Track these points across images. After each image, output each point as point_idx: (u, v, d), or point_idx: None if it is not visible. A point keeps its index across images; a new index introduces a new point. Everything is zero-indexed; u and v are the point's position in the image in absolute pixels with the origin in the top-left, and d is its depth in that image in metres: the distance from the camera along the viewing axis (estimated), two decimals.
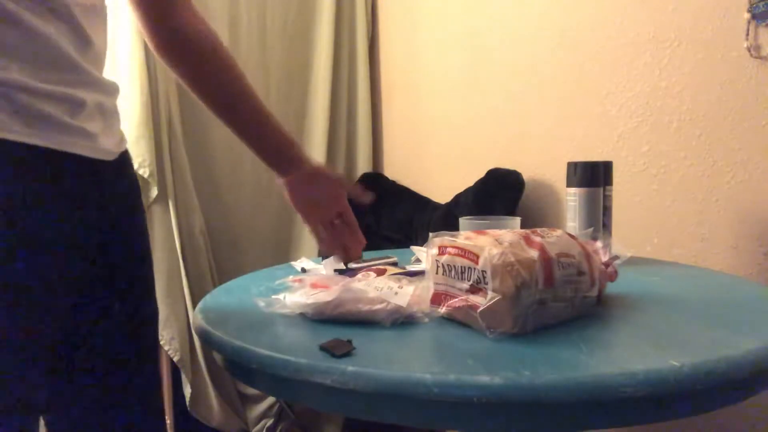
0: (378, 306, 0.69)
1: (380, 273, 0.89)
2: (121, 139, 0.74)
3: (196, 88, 0.83)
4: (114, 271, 0.70)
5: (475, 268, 0.64)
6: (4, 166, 0.57)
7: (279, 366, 0.59)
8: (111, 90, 0.71)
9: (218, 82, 0.82)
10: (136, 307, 0.74)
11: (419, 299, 0.71)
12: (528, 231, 0.70)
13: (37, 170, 0.60)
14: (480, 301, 0.63)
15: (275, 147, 0.89)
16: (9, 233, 0.57)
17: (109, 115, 0.70)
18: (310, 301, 0.71)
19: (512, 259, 0.62)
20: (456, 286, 0.66)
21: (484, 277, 0.62)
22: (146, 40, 0.81)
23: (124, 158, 0.75)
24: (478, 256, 0.63)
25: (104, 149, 0.68)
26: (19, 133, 0.57)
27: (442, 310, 0.68)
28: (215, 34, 0.82)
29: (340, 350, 0.59)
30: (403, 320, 0.69)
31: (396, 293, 0.71)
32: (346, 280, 0.79)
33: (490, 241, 0.65)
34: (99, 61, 0.69)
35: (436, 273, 0.69)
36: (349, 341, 0.60)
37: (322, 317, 0.71)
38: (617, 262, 0.78)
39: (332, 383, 0.55)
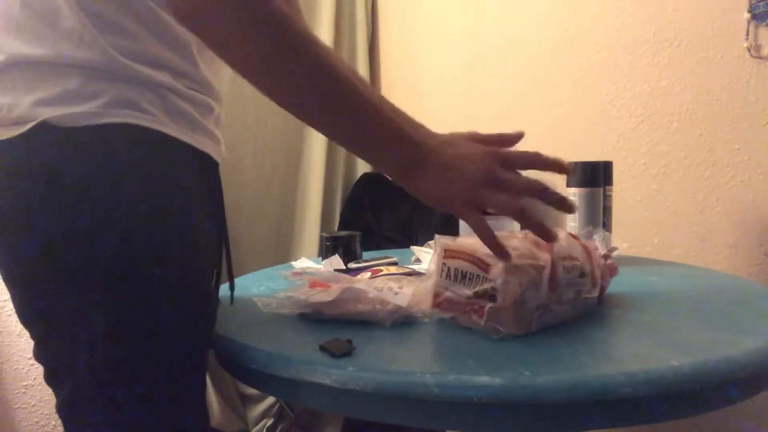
0: (378, 306, 0.69)
1: (379, 273, 0.89)
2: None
3: None
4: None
5: (484, 277, 0.63)
6: (163, 155, 0.63)
7: (279, 366, 0.59)
8: (221, 101, 0.76)
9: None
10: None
11: (420, 300, 0.71)
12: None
13: (185, 161, 0.66)
14: (485, 303, 0.62)
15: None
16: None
17: (220, 125, 0.75)
18: (309, 300, 0.71)
19: (521, 263, 0.62)
20: (460, 291, 0.65)
21: (494, 285, 0.62)
22: None
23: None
24: (489, 266, 0.62)
25: (221, 154, 0.74)
26: (167, 126, 0.64)
27: (444, 312, 0.68)
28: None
29: (340, 350, 0.59)
30: (403, 320, 0.69)
31: (396, 294, 0.71)
32: (346, 279, 0.79)
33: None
34: (219, 76, 0.75)
35: (441, 276, 0.68)
36: (349, 341, 0.60)
37: (321, 317, 0.71)
38: (615, 253, 0.78)
39: (332, 383, 0.55)
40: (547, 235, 0.63)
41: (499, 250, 0.62)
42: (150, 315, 0.61)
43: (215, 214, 0.71)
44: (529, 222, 0.62)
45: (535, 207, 0.62)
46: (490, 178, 0.62)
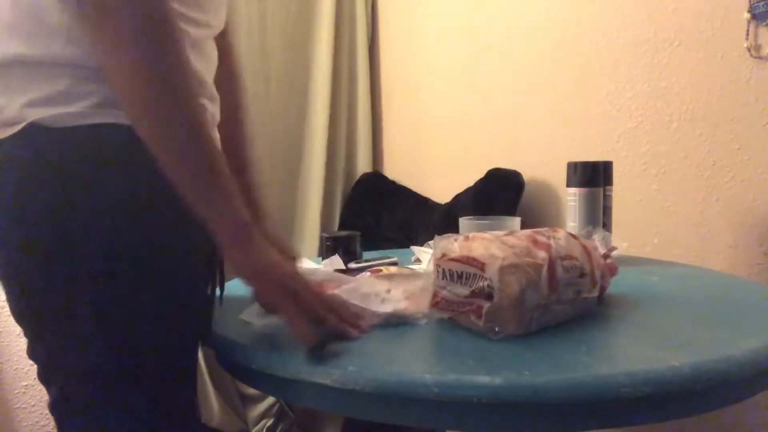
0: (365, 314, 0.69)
1: (379, 273, 0.89)
2: None
3: None
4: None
5: (480, 275, 0.63)
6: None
7: (279, 366, 0.59)
8: (217, 104, 0.76)
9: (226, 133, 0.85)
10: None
11: (418, 300, 0.71)
12: (532, 232, 0.69)
13: None
14: (484, 304, 0.62)
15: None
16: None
17: (215, 127, 0.75)
18: None
19: (518, 261, 0.62)
20: (457, 290, 0.65)
21: (490, 284, 0.62)
22: None
23: None
24: (484, 264, 0.62)
25: None
26: None
27: (442, 312, 0.68)
28: (244, 89, 0.90)
29: (316, 348, 0.59)
30: (399, 322, 0.69)
31: (383, 300, 0.70)
32: (342, 280, 0.79)
33: (496, 246, 0.64)
34: (212, 77, 0.75)
35: (438, 277, 0.68)
36: (325, 340, 0.60)
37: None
38: (615, 253, 0.78)
39: (332, 383, 0.55)
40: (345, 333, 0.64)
41: (303, 336, 0.61)
42: (136, 314, 0.61)
43: None
44: (329, 323, 0.64)
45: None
46: (300, 287, 0.64)
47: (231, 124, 0.84)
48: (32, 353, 0.65)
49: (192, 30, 0.67)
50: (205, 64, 0.71)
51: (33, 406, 1.79)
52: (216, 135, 0.73)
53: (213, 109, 0.74)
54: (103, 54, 0.57)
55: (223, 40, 0.82)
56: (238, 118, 0.88)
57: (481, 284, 0.62)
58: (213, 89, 0.74)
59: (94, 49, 0.58)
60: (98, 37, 0.56)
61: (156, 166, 0.59)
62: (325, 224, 2.05)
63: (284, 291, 0.63)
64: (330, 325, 0.63)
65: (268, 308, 0.69)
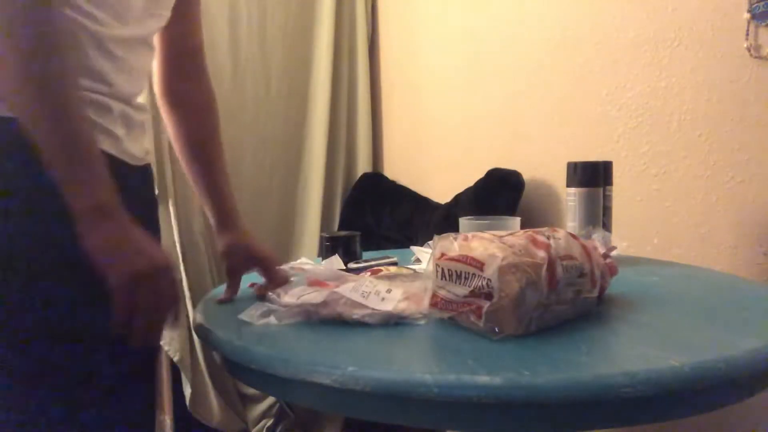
0: (364, 312, 0.69)
1: (379, 273, 0.89)
2: (146, 152, 0.82)
3: (176, 133, 0.93)
4: None
5: (479, 275, 0.63)
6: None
7: (278, 366, 0.59)
8: (139, 107, 0.79)
9: (197, 139, 0.92)
10: None
11: (418, 300, 0.71)
12: (532, 231, 0.69)
13: None
14: (483, 304, 0.62)
15: (220, 202, 0.91)
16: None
17: (132, 126, 0.77)
18: (298, 302, 0.71)
19: (517, 261, 0.62)
20: (456, 290, 0.65)
21: (489, 283, 0.62)
22: (158, 93, 0.92)
23: (148, 171, 0.83)
24: (482, 264, 0.62)
25: (128, 152, 0.76)
26: None
27: (442, 312, 0.68)
28: (214, 100, 0.95)
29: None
30: (397, 321, 0.69)
31: (383, 299, 0.70)
32: (343, 278, 0.79)
33: (495, 245, 0.64)
34: (134, 81, 0.78)
35: (437, 277, 0.68)
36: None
37: (318, 317, 0.71)
38: (615, 253, 0.78)
39: (332, 383, 0.55)
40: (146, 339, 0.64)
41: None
42: (30, 312, 0.63)
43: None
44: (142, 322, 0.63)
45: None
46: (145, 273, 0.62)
47: (201, 131, 0.92)
48: None
49: (90, 24, 0.69)
50: (111, 65, 0.73)
51: None
52: (112, 129, 0.74)
53: (124, 108, 0.75)
54: None
55: (194, 62, 0.91)
56: (208, 127, 0.94)
57: (480, 284, 0.62)
58: (124, 89, 0.75)
59: None
60: None
61: (39, 159, 0.60)
62: (325, 224, 2.05)
63: (123, 274, 0.61)
64: (135, 331, 0.62)
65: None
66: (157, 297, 0.63)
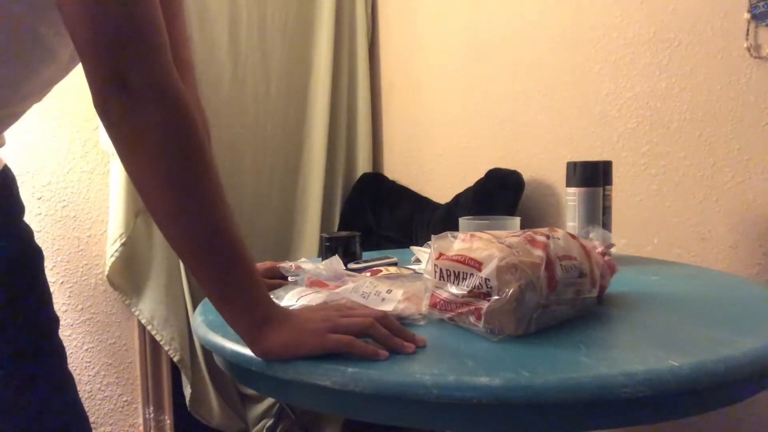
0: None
1: (379, 274, 0.89)
2: None
3: None
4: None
5: (477, 275, 0.63)
6: None
7: (278, 368, 0.59)
8: (11, 108, 0.74)
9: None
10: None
11: (416, 301, 0.71)
12: (530, 231, 0.69)
13: None
14: (482, 305, 0.62)
15: None
16: None
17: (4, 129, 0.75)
18: (297, 304, 0.71)
19: (516, 261, 0.62)
20: (455, 291, 0.65)
21: (487, 283, 0.62)
22: None
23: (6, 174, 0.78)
24: (480, 263, 0.62)
25: None
26: None
27: (441, 312, 0.68)
28: (205, 117, 0.94)
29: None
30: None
31: (383, 299, 0.70)
32: (342, 279, 0.79)
33: (494, 245, 0.64)
34: (23, 78, 0.72)
35: (436, 277, 0.68)
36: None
37: None
38: (614, 252, 0.77)
39: (332, 385, 0.55)
40: (399, 345, 0.60)
41: (369, 352, 0.58)
42: None
43: None
44: (379, 333, 0.60)
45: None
46: (332, 315, 0.61)
47: None
48: None
49: None
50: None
51: None
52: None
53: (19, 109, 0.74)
54: (132, 167, 0.56)
55: (182, 78, 0.84)
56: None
57: (478, 284, 0.62)
58: (16, 95, 0.72)
59: (124, 162, 0.57)
60: (128, 153, 0.56)
61: None
62: (325, 224, 2.05)
63: (321, 339, 0.58)
64: (379, 335, 0.60)
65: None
66: (351, 324, 0.60)
